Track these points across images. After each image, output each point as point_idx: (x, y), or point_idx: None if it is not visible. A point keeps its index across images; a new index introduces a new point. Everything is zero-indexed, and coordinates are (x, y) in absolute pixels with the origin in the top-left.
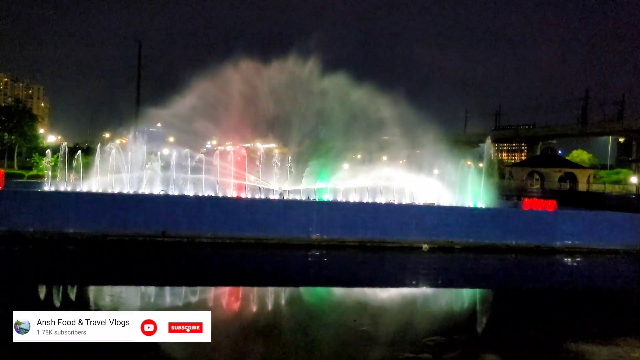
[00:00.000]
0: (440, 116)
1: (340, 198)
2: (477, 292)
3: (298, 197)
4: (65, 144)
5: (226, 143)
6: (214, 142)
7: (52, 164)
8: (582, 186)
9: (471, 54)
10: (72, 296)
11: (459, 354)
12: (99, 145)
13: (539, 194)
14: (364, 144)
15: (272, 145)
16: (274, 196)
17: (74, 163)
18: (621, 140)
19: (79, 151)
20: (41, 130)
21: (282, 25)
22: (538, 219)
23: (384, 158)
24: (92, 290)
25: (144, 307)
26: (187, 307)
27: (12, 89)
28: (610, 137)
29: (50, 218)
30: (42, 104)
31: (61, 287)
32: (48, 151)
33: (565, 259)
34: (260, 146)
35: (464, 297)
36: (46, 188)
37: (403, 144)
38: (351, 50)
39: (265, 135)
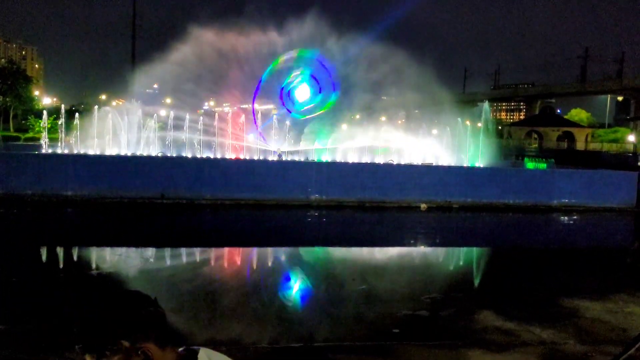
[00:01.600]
0: (439, 75)
1: (338, 159)
2: (474, 250)
3: (296, 158)
4: (63, 106)
5: (224, 104)
6: (212, 103)
7: (49, 126)
8: (580, 145)
9: (470, 11)
10: (72, 258)
11: (456, 310)
12: (95, 107)
13: (537, 153)
14: (363, 103)
15: (270, 106)
16: (272, 157)
17: (76, 124)
18: (620, 99)
19: (77, 114)
20: (36, 92)
21: None
22: (536, 178)
23: (383, 118)
24: (91, 252)
25: (144, 268)
26: (187, 266)
27: (5, 50)
28: (609, 95)
29: (49, 180)
30: (37, 66)
31: (60, 249)
32: (45, 112)
33: (562, 217)
34: (259, 107)
35: (461, 255)
36: (43, 150)
37: (402, 104)
38: (347, 7)
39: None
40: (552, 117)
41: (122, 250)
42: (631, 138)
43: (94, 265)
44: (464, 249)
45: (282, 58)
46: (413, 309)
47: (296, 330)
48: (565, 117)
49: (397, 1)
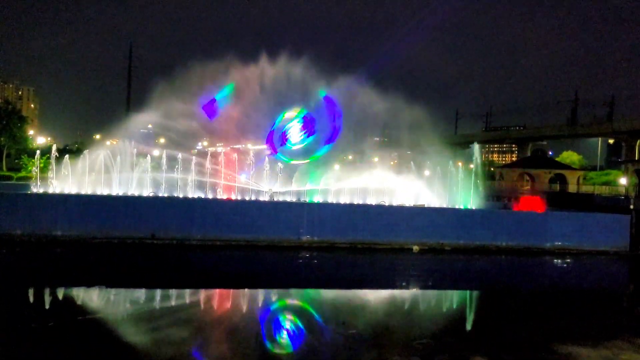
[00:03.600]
0: (431, 117)
1: (330, 199)
2: (467, 293)
3: (288, 199)
4: (54, 146)
5: (217, 144)
6: (205, 143)
7: (41, 165)
8: (572, 187)
9: (462, 54)
10: (57, 300)
11: (448, 357)
12: (86, 151)
13: (529, 194)
14: (355, 145)
15: (263, 146)
16: (265, 198)
17: (63, 166)
18: (611, 141)
19: (67, 154)
20: (31, 132)
21: (270, 25)
22: (528, 220)
23: (375, 159)
24: (75, 295)
25: (132, 313)
26: (176, 310)
27: (2, 91)
28: (600, 138)
29: (38, 220)
30: (32, 105)
31: (45, 291)
32: (38, 152)
33: (555, 260)
34: (252, 147)
35: (454, 298)
36: (35, 190)
37: (394, 145)
38: (339, 49)
39: (257, 137)
40: (544, 159)
41: (108, 293)
42: (623, 181)
43: (78, 311)
44: (456, 292)
45: (287, 114)
46: (405, 355)
47: None
48: (557, 159)
49: (389, 45)
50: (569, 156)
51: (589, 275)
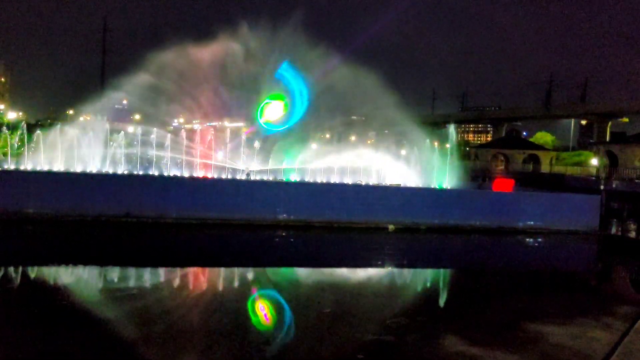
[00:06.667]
0: (408, 96)
1: (307, 178)
2: (441, 272)
3: (265, 178)
4: (24, 122)
5: (193, 121)
6: (181, 120)
7: (12, 141)
8: (545, 168)
9: (439, 34)
10: (27, 278)
11: (421, 335)
12: (58, 126)
13: (503, 175)
14: (332, 123)
15: (240, 124)
16: (241, 176)
17: (33, 141)
18: (583, 122)
19: (38, 130)
20: (1, 106)
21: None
22: (501, 200)
23: (352, 138)
24: (45, 273)
25: (103, 292)
26: (150, 290)
27: None
28: (573, 119)
29: (8, 198)
30: (3, 79)
31: (13, 269)
32: (4, 127)
33: (527, 240)
34: (228, 125)
35: (428, 277)
36: (6, 166)
37: (371, 124)
38: (316, 26)
39: (232, 114)
40: (518, 140)
41: (77, 271)
42: (594, 162)
43: (46, 290)
44: (430, 271)
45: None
46: (378, 334)
47: (257, 356)
48: (531, 139)
49: (367, 23)
50: (543, 137)
51: (559, 255)
